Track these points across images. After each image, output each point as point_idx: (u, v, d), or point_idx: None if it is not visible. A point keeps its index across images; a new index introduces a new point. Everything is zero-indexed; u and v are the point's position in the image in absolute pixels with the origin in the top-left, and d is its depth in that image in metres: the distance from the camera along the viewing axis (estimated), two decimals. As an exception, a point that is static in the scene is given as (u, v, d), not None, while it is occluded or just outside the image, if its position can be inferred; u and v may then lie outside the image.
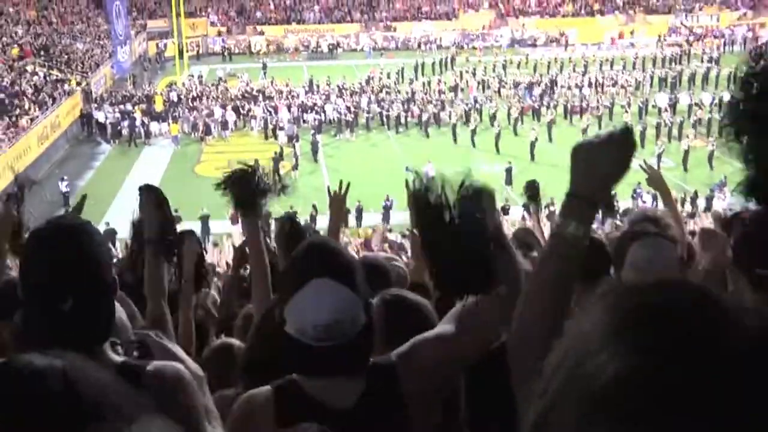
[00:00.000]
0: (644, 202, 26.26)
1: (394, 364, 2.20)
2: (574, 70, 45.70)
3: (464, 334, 2.18)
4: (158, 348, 2.64)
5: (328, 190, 4.82)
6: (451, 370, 2.29)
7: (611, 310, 0.89)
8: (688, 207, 25.53)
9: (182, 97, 41.53)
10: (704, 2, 63.37)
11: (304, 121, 38.42)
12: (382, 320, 2.43)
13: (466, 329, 2.18)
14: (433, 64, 49.33)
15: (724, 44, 54.53)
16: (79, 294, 2.12)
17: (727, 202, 25.90)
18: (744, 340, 0.82)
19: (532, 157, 32.74)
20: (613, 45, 55.74)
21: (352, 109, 38.68)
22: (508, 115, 37.40)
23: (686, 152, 31.09)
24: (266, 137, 37.24)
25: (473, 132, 35.07)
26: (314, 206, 25.95)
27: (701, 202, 26.88)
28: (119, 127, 37.59)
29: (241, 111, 39.33)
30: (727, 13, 61.71)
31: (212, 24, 59.76)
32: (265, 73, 48.07)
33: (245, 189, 3.78)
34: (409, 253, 16.73)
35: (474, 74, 45.58)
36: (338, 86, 42.67)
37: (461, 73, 45.58)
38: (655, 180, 4.95)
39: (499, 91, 42.61)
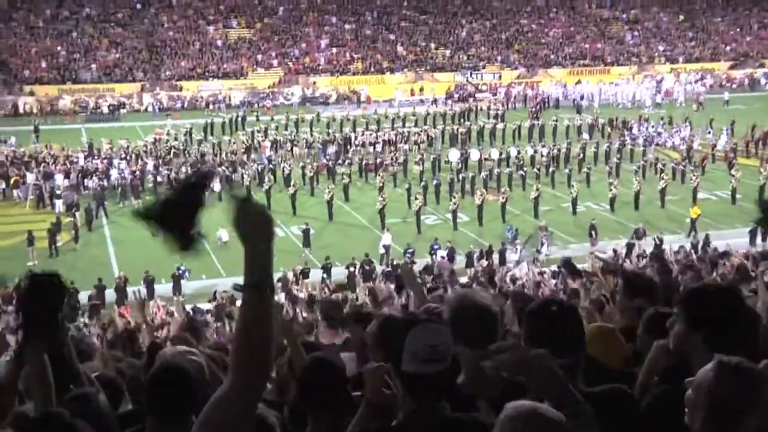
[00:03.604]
0: (443, 257, 27.35)
1: None
2: (367, 128, 47.11)
3: None
4: None
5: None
6: None
7: None
8: (484, 263, 26.67)
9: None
10: (487, 61, 67.94)
11: (84, 188, 36.84)
12: None
13: None
14: (223, 124, 49.12)
15: (507, 101, 58.44)
16: None
17: (519, 254, 27.54)
18: None
19: (330, 217, 33.24)
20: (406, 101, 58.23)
21: (138, 173, 37.57)
22: (303, 174, 37.82)
23: (480, 207, 32.75)
24: (40, 206, 35.29)
25: (268, 193, 35.06)
26: (100, 280, 24.98)
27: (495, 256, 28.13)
28: None
29: (14, 177, 37.04)
30: (507, 71, 66.46)
31: (-27, 84, 56.24)
32: (37, 137, 45.76)
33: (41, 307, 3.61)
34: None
35: (266, 134, 45.81)
36: (122, 149, 41.45)
37: (253, 132, 45.65)
38: (406, 273, 5.31)
39: (292, 150, 43.05)
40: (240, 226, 2.26)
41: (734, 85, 67.40)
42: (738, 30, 77.38)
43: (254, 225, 2.27)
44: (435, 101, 57.78)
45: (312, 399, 3.58)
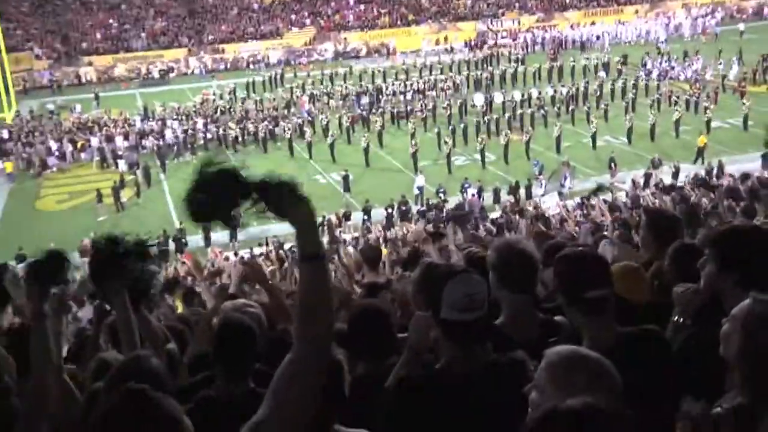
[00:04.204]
0: (473, 195, 27.21)
1: None
2: (396, 78, 46.62)
3: (275, 411, 2.15)
4: None
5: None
6: None
7: None
8: (511, 198, 26.48)
9: (14, 133, 39.11)
10: (506, 8, 66.50)
11: (143, 148, 37.13)
12: None
13: (276, 405, 2.15)
14: (264, 82, 48.94)
15: (527, 45, 57.22)
16: None
17: (544, 188, 27.28)
18: None
19: (367, 163, 33.15)
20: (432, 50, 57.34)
21: (190, 131, 37.72)
22: (340, 125, 37.68)
23: (506, 146, 32.43)
24: (104, 167, 35.69)
25: (309, 144, 35.07)
26: (164, 231, 25.24)
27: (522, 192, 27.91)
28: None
29: (80, 142, 37.49)
30: (526, 17, 65.01)
31: (37, 57, 56.48)
32: (98, 103, 46.07)
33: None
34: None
35: (303, 89, 45.57)
36: (174, 110, 41.61)
37: (291, 88, 45.45)
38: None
39: (328, 103, 42.82)
40: (277, 209, 2.16)
41: (744, 16, 65.06)
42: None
43: (290, 203, 2.16)
44: (452, 49, 56.73)
45: (359, 345, 3.57)
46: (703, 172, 25.54)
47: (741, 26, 57.61)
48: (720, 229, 3.31)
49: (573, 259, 3.16)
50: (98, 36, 59.70)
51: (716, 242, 3.12)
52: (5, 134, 38.92)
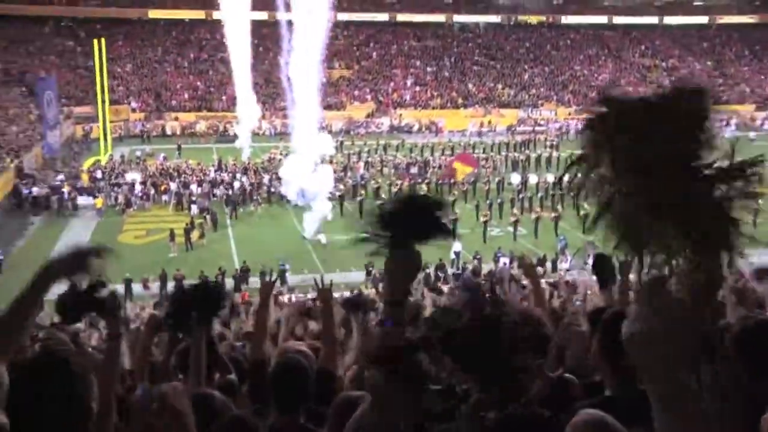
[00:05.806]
0: (505, 263, 26.85)
1: None
2: (443, 153, 46.81)
3: None
4: None
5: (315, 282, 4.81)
6: None
7: None
8: (540, 270, 26.09)
9: (106, 173, 40.10)
10: (545, 99, 66.77)
11: (213, 195, 37.65)
12: None
13: None
14: (326, 146, 49.45)
15: (561, 133, 57.05)
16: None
17: (569, 263, 26.83)
18: None
19: (411, 226, 33.01)
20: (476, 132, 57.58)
21: (256, 184, 38.21)
22: (389, 190, 37.77)
23: (536, 221, 32.14)
24: (179, 209, 36.23)
25: (360, 203, 35.13)
26: (220, 269, 25.41)
27: (549, 264, 27.55)
28: (48, 201, 35.83)
29: (162, 185, 38.26)
30: (562, 108, 65.12)
31: (133, 110, 58.29)
32: (179, 153, 47.05)
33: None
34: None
35: (360, 155, 45.99)
36: (244, 165, 42.28)
37: (349, 154, 45.92)
38: (527, 268, 5.02)
39: (381, 170, 43.08)
40: (396, 268, 2.31)
41: (757, 123, 64.20)
42: (762, 77, 74.08)
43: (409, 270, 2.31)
44: (479, 133, 56.87)
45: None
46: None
47: (752, 134, 56.62)
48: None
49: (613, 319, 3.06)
50: (186, 96, 61.46)
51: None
52: (99, 174, 39.87)
